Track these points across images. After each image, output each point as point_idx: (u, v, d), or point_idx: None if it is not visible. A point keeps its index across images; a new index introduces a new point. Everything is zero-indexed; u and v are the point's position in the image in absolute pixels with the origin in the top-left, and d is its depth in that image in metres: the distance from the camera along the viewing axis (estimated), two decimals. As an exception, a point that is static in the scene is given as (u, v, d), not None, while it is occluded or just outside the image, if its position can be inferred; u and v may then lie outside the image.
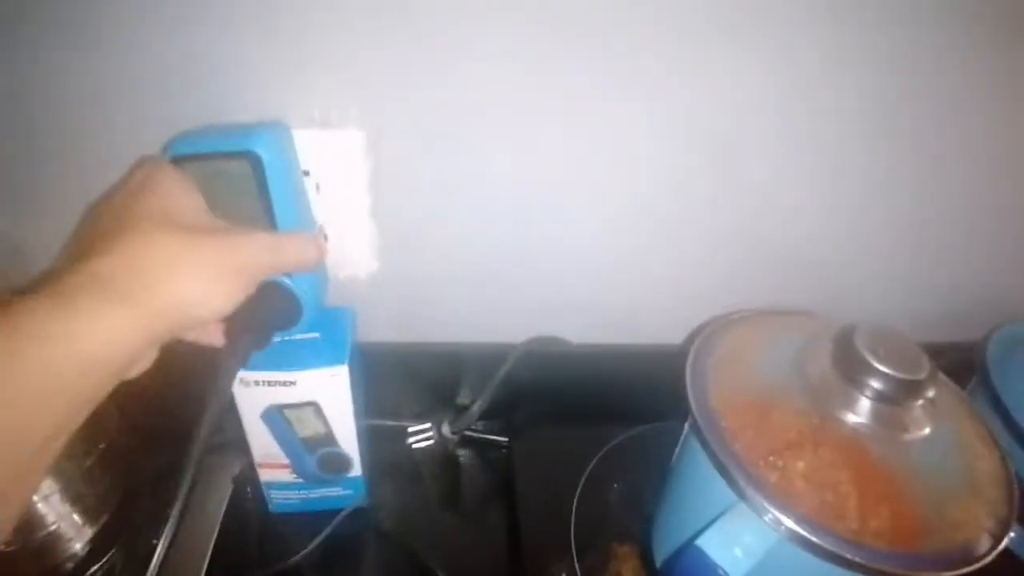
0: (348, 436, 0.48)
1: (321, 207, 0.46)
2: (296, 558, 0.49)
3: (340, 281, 0.53)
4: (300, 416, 0.46)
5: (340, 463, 0.50)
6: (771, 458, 0.33)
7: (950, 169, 0.51)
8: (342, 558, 0.50)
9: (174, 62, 0.43)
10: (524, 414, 0.58)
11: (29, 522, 0.48)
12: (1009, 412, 0.47)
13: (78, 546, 0.50)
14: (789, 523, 0.31)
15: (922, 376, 0.35)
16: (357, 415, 0.48)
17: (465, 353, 0.57)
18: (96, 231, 0.31)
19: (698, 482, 0.38)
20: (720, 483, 0.34)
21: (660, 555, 0.44)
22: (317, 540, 0.49)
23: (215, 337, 0.37)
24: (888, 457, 0.34)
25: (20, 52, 0.42)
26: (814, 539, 0.31)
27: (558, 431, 0.57)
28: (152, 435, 0.55)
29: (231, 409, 0.46)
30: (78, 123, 0.46)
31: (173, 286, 0.30)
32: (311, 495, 0.51)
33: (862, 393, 0.35)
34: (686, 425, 0.40)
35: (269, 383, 0.44)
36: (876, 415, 0.35)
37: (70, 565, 0.49)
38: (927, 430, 0.36)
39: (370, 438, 0.54)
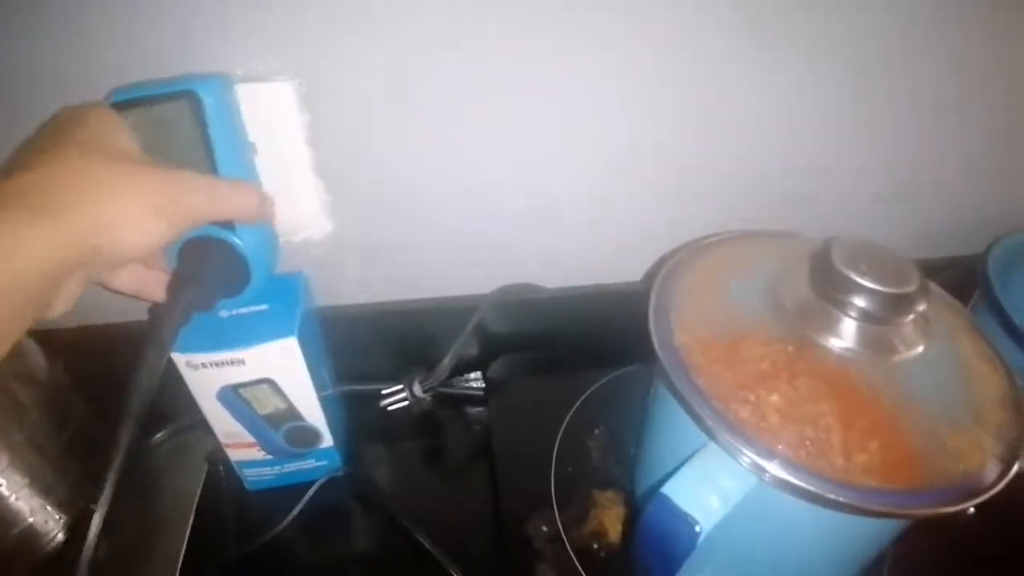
0: (311, 409, 0.46)
1: (261, 168, 0.43)
2: (274, 532, 0.47)
3: (296, 245, 0.51)
4: (256, 394, 0.44)
5: (308, 436, 0.47)
6: (742, 392, 0.30)
7: (945, 82, 0.48)
8: (321, 528, 0.49)
9: (97, 25, 0.40)
10: (500, 366, 0.56)
11: (4, 520, 0.47)
12: (1015, 323, 0.44)
13: (60, 536, 0.49)
14: (764, 463, 0.29)
15: (910, 289, 0.31)
16: (320, 385, 0.45)
17: (434, 309, 0.55)
18: (17, 156, 0.30)
19: (670, 424, 0.35)
20: (690, 424, 0.31)
21: (642, 500, 0.41)
22: (293, 513, 0.48)
23: (154, 289, 0.35)
24: (876, 383, 0.31)
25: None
26: (793, 479, 0.28)
27: (535, 380, 0.55)
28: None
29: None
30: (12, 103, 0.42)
31: (92, 207, 0.28)
32: (285, 469, 0.49)
33: (844, 313, 0.32)
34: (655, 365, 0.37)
35: (218, 364, 0.41)
36: (861, 337, 0.32)
37: (53, 555, 0.48)
38: (920, 350, 0.32)
39: (342, 404, 0.53)
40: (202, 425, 0.50)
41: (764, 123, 0.49)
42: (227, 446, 0.47)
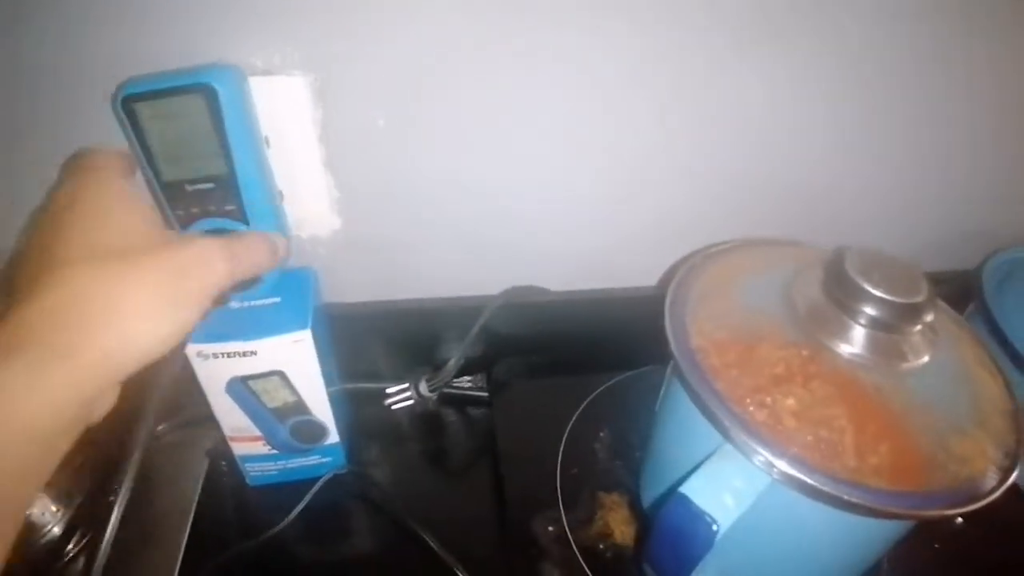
0: (320, 403, 0.46)
1: (273, 163, 0.43)
2: (276, 529, 0.47)
3: (303, 241, 0.51)
4: (266, 386, 0.44)
5: (315, 431, 0.47)
6: (758, 395, 0.31)
7: (946, 97, 0.49)
8: (324, 527, 0.48)
9: (108, 18, 0.40)
10: (505, 367, 0.56)
11: None
12: (1007, 338, 0.45)
13: (56, 530, 0.48)
14: (780, 463, 0.29)
15: (920, 299, 0.32)
16: (328, 380, 0.45)
17: (441, 309, 0.55)
18: (23, 264, 0.28)
19: (684, 425, 0.36)
20: (705, 425, 0.32)
21: (649, 501, 0.42)
22: (296, 510, 0.47)
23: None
24: (886, 388, 0.32)
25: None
26: (808, 480, 0.29)
27: (540, 382, 0.55)
28: (120, 414, 0.53)
29: (196, 382, 0.43)
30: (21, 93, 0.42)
31: (112, 328, 0.27)
32: (288, 465, 0.49)
33: (855, 321, 0.33)
34: (669, 367, 0.38)
35: (229, 354, 0.41)
36: (871, 344, 0.33)
37: (49, 548, 0.47)
38: (926, 358, 0.33)
39: (347, 402, 0.53)
40: (203, 420, 0.50)
41: (769, 134, 0.49)
42: (232, 440, 0.47)
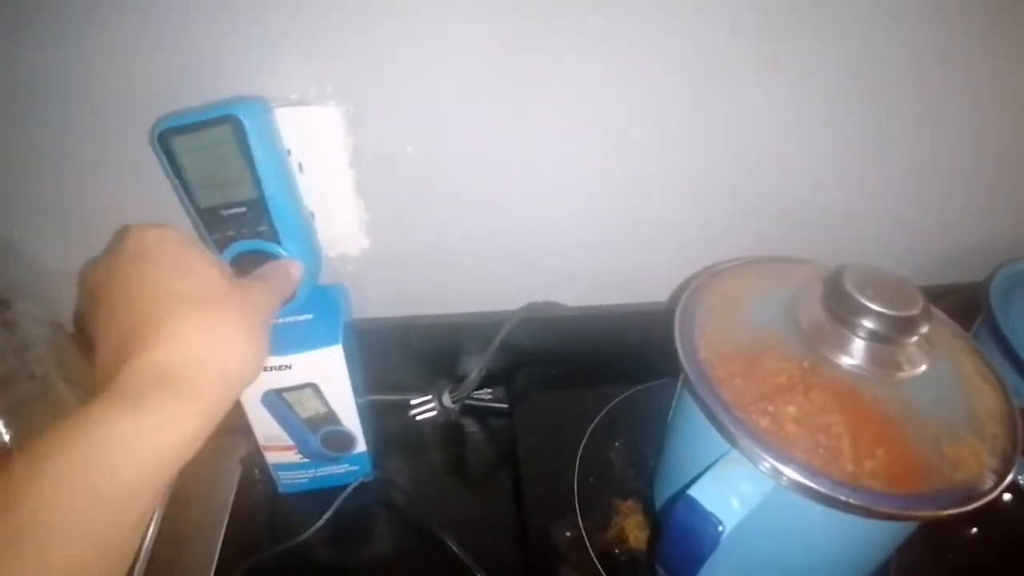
0: (349, 414, 0.48)
1: (305, 186, 0.46)
2: (307, 534, 0.49)
3: (332, 259, 0.53)
4: (299, 398, 0.46)
5: (344, 441, 0.50)
6: (761, 404, 0.33)
7: (949, 111, 0.50)
8: (352, 532, 0.51)
9: (148, 49, 0.43)
10: (524, 380, 0.58)
11: None
12: (1014, 349, 0.46)
13: None
14: (782, 468, 0.31)
15: (915, 312, 0.34)
16: (356, 392, 0.48)
17: (462, 324, 0.57)
18: (115, 312, 0.31)
19: (693, 434, 0.38)
20: (713, 433, 0.34)
21: (661, 508, 0.44)
22: (326, 516, 0.50)
23: None
24: (882, 397, 0.34)
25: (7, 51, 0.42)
26: (808, 483, 0.31)
27: (558, 395, 0.57)
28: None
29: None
30: (64, 119, 0.46)
31: (222, 366, 0.30)
32: (318, 473, 0.52)
33: (854, 334, 0.35)
34: (680, 379, 0.40)
35: (265, 368, 0.44)
36: (869, 355, 0.34)
37: None
38: (923, 368, 0.35)
39: (373, 413, 0.55)
40: (237, 429, 0.53)
41: (775, 154, 0.51)
42: (265, 449, 0.50)
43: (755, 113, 0.49)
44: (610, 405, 0.54)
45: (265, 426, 0.48)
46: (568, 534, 0.46)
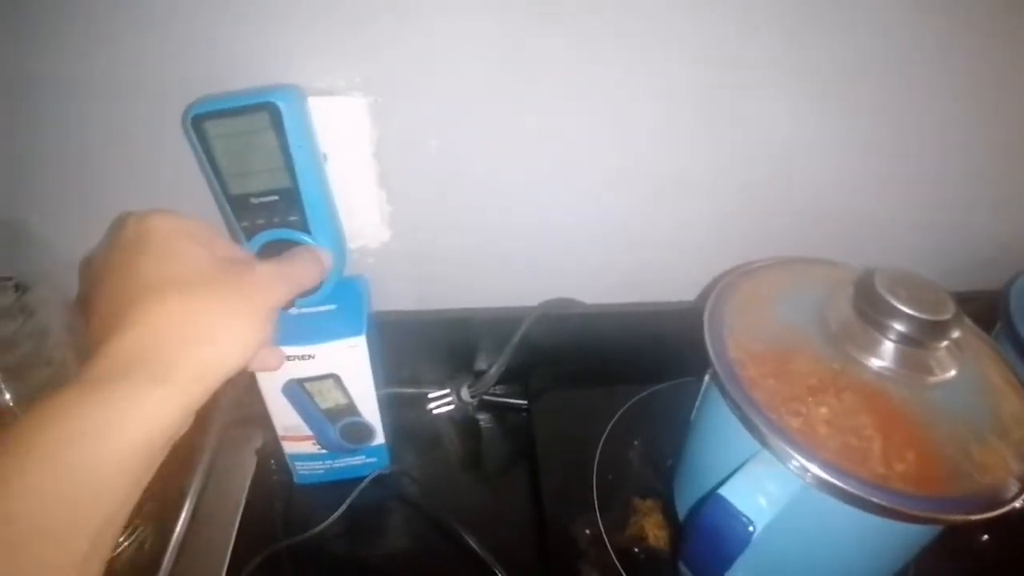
0: (369, 405, 0.48)
1: (330, 176, 0.46)
2: (322, 526, 0.49)
3: (352, 251, 0.53)
4: (321, 388, 0.46)
5: (363, 432, 0.50)
6: (793, 404, 0.33)
7: (973, 117, 0.51)
8: (367, 524, 0.51)
9: (179, 42, 0.43)
10: (541, 376, 0.58)
11: None
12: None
13: None
14: (813, 468, 0.31)
15: (947, 317, 0.34)
16: (376, 384, 0.48)
17: (480, 319, 0.57)
18: (105, 298, 0.31)
19: (719, 433, 0.38)
20: (741, 433, 0.34)
21: (682, 507, 0.44)
22: (342, 508, 0.50)
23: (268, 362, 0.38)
24: (913, 400, 0.34)
25: (33, 41, 0.42)
26: (839, 483, 0.31)
27: (575, 392, 0.57)
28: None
29: (251, 383, 0.46)
30: (94, 110, 0.46)
31: (202, 350, 0.29)
32: (335, 465, 0.52)
33: (885, 336, 0.34)
34: (706, 377, 0.40)
35: (288, 357, 0.44)
36: (900, 358, 0.34)
37: None
38: (952, 372, 0.35)
39: (391, 405, 0.55)
40: (253, 419, 0.53)
41: (798, 157, 0.51)
42: (284, 439, 0.50)
43: (777, 118, 0.49)
44: (628, 404, 0.54)
45: (284, 416, 0.48)
46: (587, 531, 0.46)
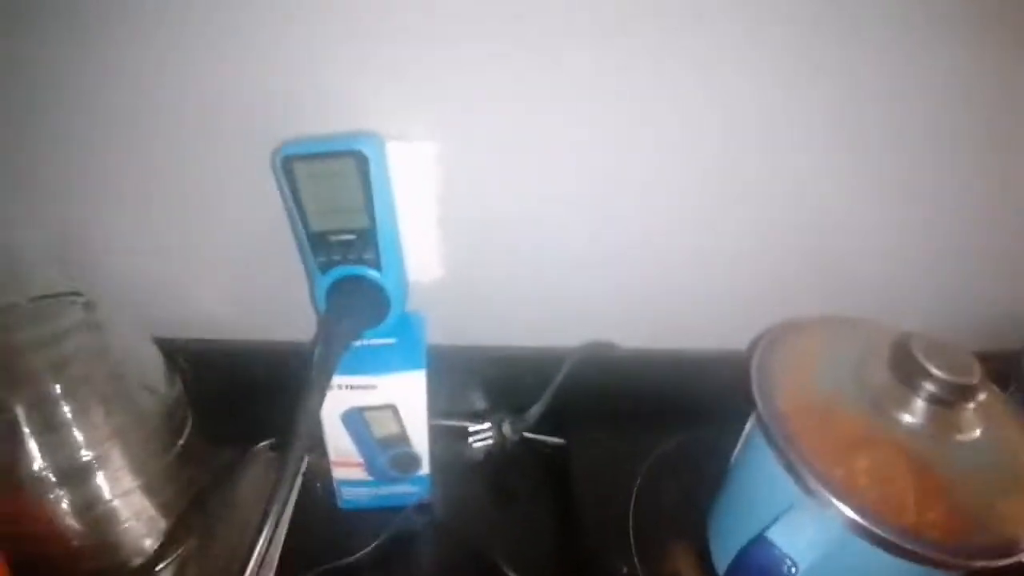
0: (420, 436, 0.51)
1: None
2: (363, 552, 0.51)
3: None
4: (378, 418, 0.49)
5: (410, 462, 0.52)
6: (836, 455, 0.36)
7: (995, 182, 0.53)
8: (406, 552, 0.52)
9: (260, 83, 0.47)
10: (579, 416, 0.60)
11: (103, 519, 0.49)
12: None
13: (148, 542, 0.51)
14: (853, 516, 0.34)
15: (974, 381, 0.37)
16: (429, 416, 0.50)
17: (521, 356, 0.60)
18: None
19: (762, 480, 0.41)
20: (783, 480, 0.37)
21: (718, 551, 0.46)
22: (384, 535, 0.51)
23: None
24: (942, 456, 0.37)
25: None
26: (876, 530, 0.34)
27: (612, 433, 0.59)
28: (218, 435, 0.58)
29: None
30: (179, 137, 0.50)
31: None
32: (380, 492, 0.54)
33: (918, 396, 0.38)
34: (747, 425, 0.43)
35: (352, 387, 0.46)
36: (931, 417, 0.38)
37: (139, 560, 0.50)
38: (978, 432, 0.38)
39: (433, 436, 0.57)
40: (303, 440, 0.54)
41: (828, 215, 0.54)
42: (334, 463, 0.52)
43: (816, 185, 0.52)
44: (662, 448, 0.56)
45: (340, 442, 0.50)
46: (624, 570, 0.48)
